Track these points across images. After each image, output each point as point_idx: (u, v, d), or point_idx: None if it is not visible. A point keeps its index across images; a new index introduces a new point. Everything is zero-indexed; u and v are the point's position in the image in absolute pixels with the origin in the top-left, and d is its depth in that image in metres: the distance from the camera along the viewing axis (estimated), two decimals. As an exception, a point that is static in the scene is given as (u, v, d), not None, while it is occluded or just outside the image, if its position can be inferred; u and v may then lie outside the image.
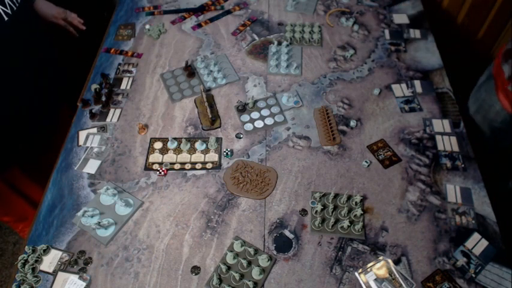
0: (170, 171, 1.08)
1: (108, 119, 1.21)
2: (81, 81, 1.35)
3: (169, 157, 1.11)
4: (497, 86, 1.15)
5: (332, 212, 0.98)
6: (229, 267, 0.90)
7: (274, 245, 0.95)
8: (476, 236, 0.95)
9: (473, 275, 0.89)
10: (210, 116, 1.18)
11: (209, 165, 1.09)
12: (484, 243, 0.94)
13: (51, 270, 0.92)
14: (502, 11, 2.04)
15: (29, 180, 1.39)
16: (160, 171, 1.07)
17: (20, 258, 0.93)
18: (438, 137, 1.14)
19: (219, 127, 1.18)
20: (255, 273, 0.89)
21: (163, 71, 1.34)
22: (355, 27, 1.44)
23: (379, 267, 0.90)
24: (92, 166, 1.10)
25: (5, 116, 1.19)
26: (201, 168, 1.08)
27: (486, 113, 1.21)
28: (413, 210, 1.00)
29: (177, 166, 1.09)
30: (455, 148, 1.11)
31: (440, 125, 1.16)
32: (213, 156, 1.11)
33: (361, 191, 1.03)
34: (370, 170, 1.07)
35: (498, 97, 1.15)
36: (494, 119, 1.19)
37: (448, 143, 1.12)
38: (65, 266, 0.92)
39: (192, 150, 1.12)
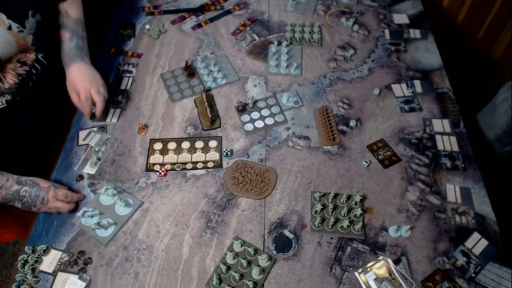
0: (170, 172, 1.08)
1: (108, 119, 1.21)
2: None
3: (170, 157, 1.11)
4: None
5: (332, 212, 0.98)
6: (229, 267, 0.90)
7: (274, 245, 0.95)
8: (476, 235, 0.95)
9: (473, 275, 0.89)
10: (210, 116, 1.17)
11: (210, 164, 1.09)
12: (484, 242, 0.94)
13: (51, 271, 0.92)
14: (502, 11, 2.05)
15: None
16: (160, 171, 1.07)
17: (19, 258, 0.93)
18: (438, 137, 1.14)
19: (219, 127, 1.18)
20: (255, 273, 0.89)
21: (163, 71, 1.34)
22: (355, 27, 1.44)
23: (379, 267, 0.90)
24: (91, 166, 1.10)
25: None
26: (203, 168, 1.08)
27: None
28: (413, 210, 1.00)
29: (178, 167, 1.09)
30: (455, 148, 1.11)
31: (440, 124, 1.16)
32: (214, 155, 1.11)
33: (361, 191, 1.03)
34: (370, 170, 1.07)
35: None
36: None
37: (447, 143, 1.12)
38: (64, 266, 0.92)
39: (192, 150, 1.12)
